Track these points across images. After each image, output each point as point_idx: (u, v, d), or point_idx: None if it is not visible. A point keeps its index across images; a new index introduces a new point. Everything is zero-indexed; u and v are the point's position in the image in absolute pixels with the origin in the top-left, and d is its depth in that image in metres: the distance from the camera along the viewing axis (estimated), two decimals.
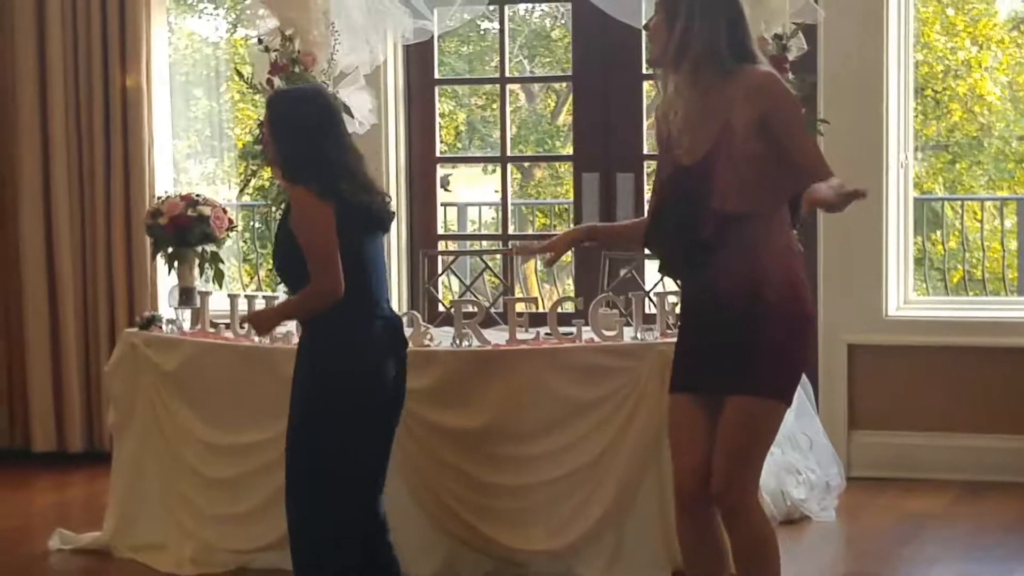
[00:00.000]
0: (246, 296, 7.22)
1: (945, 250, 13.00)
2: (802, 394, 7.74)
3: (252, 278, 12.39)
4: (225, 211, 7.77)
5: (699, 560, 5.21)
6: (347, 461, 5.58)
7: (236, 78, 9.61)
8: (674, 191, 5.08)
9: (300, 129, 5.54)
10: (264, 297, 7.21)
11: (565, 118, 13.89)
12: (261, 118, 5.68)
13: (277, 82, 8.09)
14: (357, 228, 5.51)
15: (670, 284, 7.64)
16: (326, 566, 5.58)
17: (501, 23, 9.69)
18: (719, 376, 5.01)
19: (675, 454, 5.16)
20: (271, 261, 5.67)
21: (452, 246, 10.91)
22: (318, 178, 5.46)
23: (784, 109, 4.99)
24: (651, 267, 8.43)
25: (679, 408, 5.13)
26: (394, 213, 5.75)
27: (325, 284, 5.44)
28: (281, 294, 7.89)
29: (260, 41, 8.17)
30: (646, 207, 9.21)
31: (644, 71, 9.10)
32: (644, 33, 8.57)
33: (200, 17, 14.24)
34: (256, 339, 6.99)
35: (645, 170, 9.19)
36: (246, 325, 6.06)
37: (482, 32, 14.62)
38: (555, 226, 14.68)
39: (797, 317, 5.01)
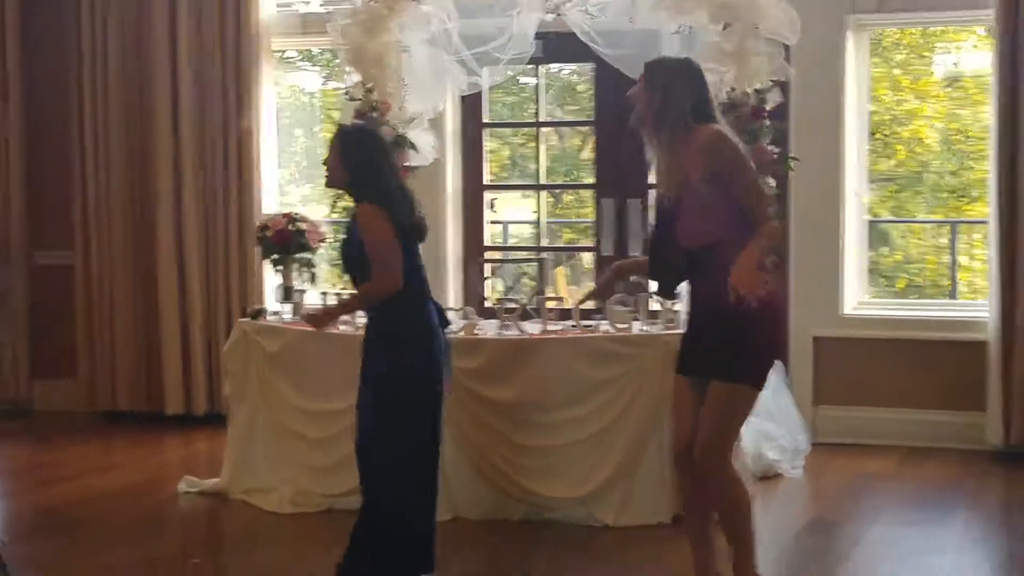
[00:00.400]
0: (335, 294, 7.22)
1: (892, 262, 12.93)
2: (778, 376, 7.72)
3: (341, 278, 12.36)
4: (317, 226, 7.78)
5: (692, 509, 5.25)
6: (418, 424, 5.55)
7: (328, 121, 9.64)
8: (657, 229, 5.14)
9: (366, 159, 5.53)
10: (346, 294, 7.16)
11: (588, 154, 13.82)
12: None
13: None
14: (407, 237, 5.50)
15: None
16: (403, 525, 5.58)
17: (537, 77, 9.66)
18: (706, 365, 5.03)
19: (673, 424, 5.22)
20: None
21: (497, 256, 10.87)
22: (379, 197, 5.45)
23: (726, 160, 4.97)
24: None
25: (678, 387, 5.19)
26: (428, 227, 5.70)
27: (387, 280, 5.41)
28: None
29: (347, 92, 8.18)
30: (650, 226, 9.25)
31: None
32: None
33: (300, 72, 14.25)
34: (341, 328, 6.98)
35: (650, 197, 9.14)
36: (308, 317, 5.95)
37: (522, 86, 14.57)
38: (579, 240, 14.58)
39: (771, 320, 5.02)
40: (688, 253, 5.06)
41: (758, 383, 5.09)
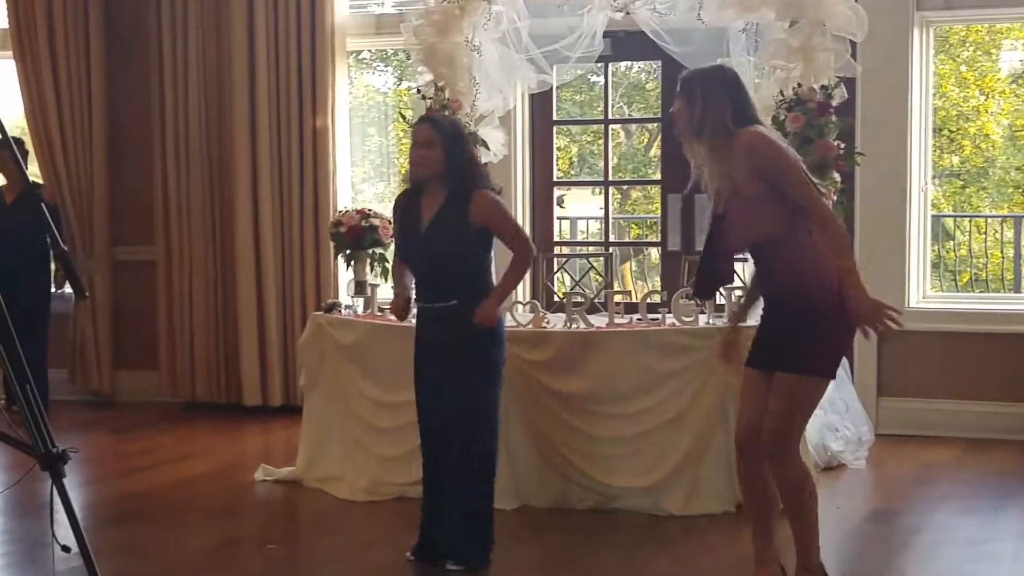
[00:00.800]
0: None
1: (956, 257, 12.87)
2: (842, 368, 7.71)
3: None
4: (390, 222, 7.78)
5: (753, 497, 5.24)
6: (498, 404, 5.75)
7: (400, 120, 9.69)
8: (709, 237, 5.14)
9: (467, 147, 5.68)
10: None
11: (655, 151, 13.84)
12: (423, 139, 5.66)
13: None
14: None
15: (736, 280, 7.63)
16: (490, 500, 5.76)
17: (605, 77, 9.67)
18: (775, 357, 5.04)
19: (739, 411, 5.21)
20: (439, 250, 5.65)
21: (565, 251, 10.90)
22: (487, 183, 5.66)
23: (769, 159, 4.95)
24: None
25: (747, 377, 5.18)
26: None
27: (529, 252, 5.65)
28: None
29: (419, 91, 8.22)
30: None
31: None
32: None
33: (374, 72, 14.34)
34: (412, 321, 7.02)
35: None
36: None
37: (591, 84, 14.61)
38: (647, 235, 14.64)
39: (836, 313, 4.97)
40: (751, 252, 5.08)
41: (829, 374, 5.08)
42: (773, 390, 5.02)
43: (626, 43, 8.88)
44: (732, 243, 5.07)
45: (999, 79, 14.04)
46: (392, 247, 7.98)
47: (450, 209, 5.58)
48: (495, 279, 5.77)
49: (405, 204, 5.71)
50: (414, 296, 5.80)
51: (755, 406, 5.09)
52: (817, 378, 5.05)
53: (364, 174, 12.07)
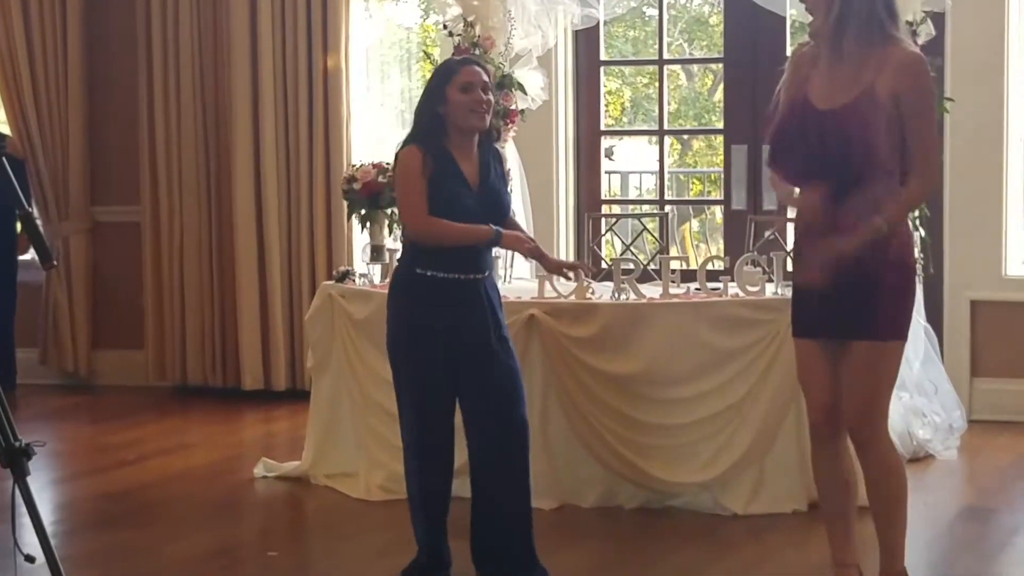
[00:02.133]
0: None
1: None
2: (928, 345, 7.68)
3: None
4: None
5: (831, 490, 5.19)
6: None
7: (425, 60, 9.67)
8: (804, 128, 4.98)
9: None
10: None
11: (720, 95, 13.77)
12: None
13: None
14: None
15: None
16: None
17: (660, 11, 9.63)
18: (845, 323, 4.97)
19: (806, 392, 5.17)
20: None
21: (616, 210, 10.88)
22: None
23: (923, 90, 4.93)
24: (793, 230, 8.36)
25: (807, 352, 5.12)
26: None
27: None
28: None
29: (445, 27, 8.21)
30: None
31: (788, 54, 9.02)
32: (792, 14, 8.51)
33: (397, 4, 14.33)
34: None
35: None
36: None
37: (647, 19, 14.54)
38: (710, 192, 14.60)
39: (909, 267, 5.01)
40: (834, 183, 4.95)
41: (903, 335, 5.06)
42: (849, 363, 4.98)
43: None
44: (849, 154, 4.91)
45: None
46: None
47: (491, 165, 5.58)
48: None
49: (438, 157, 5.53)
50: (420, 266, 5.54)
51: (826, 384, 5.06)
52: (897, 342, 5.03)
53: (389, 120, 12.04)
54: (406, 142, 5.61)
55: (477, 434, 5.56)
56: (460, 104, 5.45)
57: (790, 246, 7.77)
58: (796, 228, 5.22)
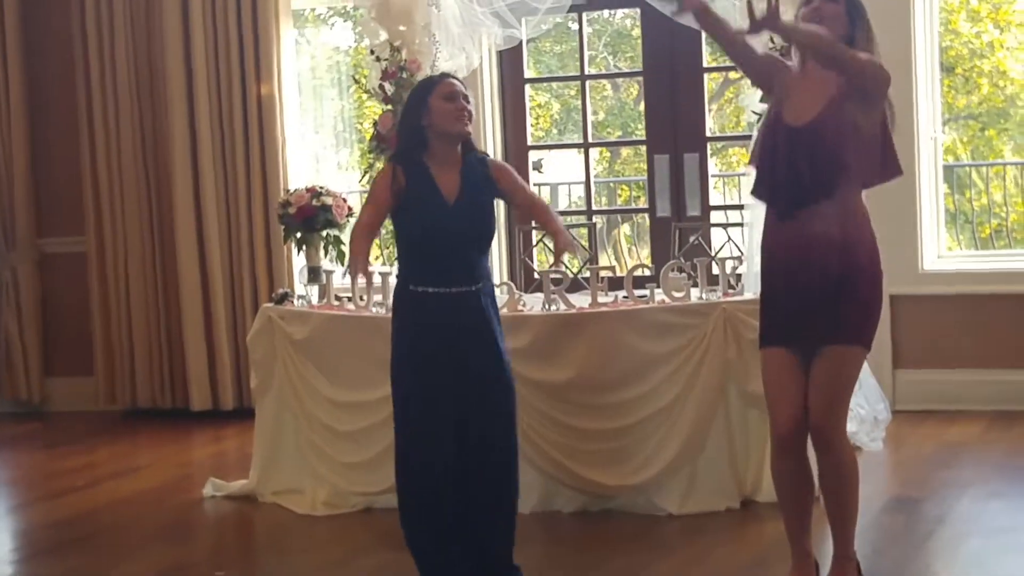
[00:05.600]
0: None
1: (972, 209, 12.80)
2: None
3: (380, 252, 12.31)
4: (345, 200, 7.74)
5: (794, 493, 5.14)
6: None
7: (355, 84, 9.58)
8: (787, 145, 4.98)
9: None
10: (380, 274, 7.10)
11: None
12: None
13: (388, 87, 8.03)
14: None
15: (733, 249, 7.54)
16: None
17: (580, 27, 9.54)
18: (817, 330, 4.94)
19: (774, 403, 5.07)
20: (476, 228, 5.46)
21: None
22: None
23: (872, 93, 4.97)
24: (716, 234, 8.31)
25: (775, 362, 5.05)
26: None
27: None
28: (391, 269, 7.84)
29: (372, 52, 8.12)
30: (710, 183, 9.14)
31: (705, 65, 9.01)
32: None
33: (332, 29, 14.24)
34: (373, 310, 6.92)
35: (708, 151, 9.08)
36: None
37: (572, 33, 14.50)
38: (638, 198, 14.55)
39: (878, 276, 5.02)
40: (806, 189, 4.93)
41: (869, 343, 5.06)
42: (821, 363, 4.94)
43: None
44: (820, 165, 4.91)
45: (1015, 11, 13.95)
46: (349, 228, 7.91)
47: (473, 179, 5.45)
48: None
49: (413, 172, 5.42)
50: (412, 282, 5.45)
51: (796, 394, 4.99)
52: (861, 347, 5.02)
53: (326, 142, 11.96)
54: (388, 159, 5.63)
55: (470, 448, 5.43)
56: (444, 112, 5.38)
57: (713, 251, 7.74)
58: (763, 243, 5.15)
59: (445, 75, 5.68)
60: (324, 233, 7.61)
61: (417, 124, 5.42)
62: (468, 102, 5.43)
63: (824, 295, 4.91)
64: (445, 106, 5.38)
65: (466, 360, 5.39)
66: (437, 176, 5.41)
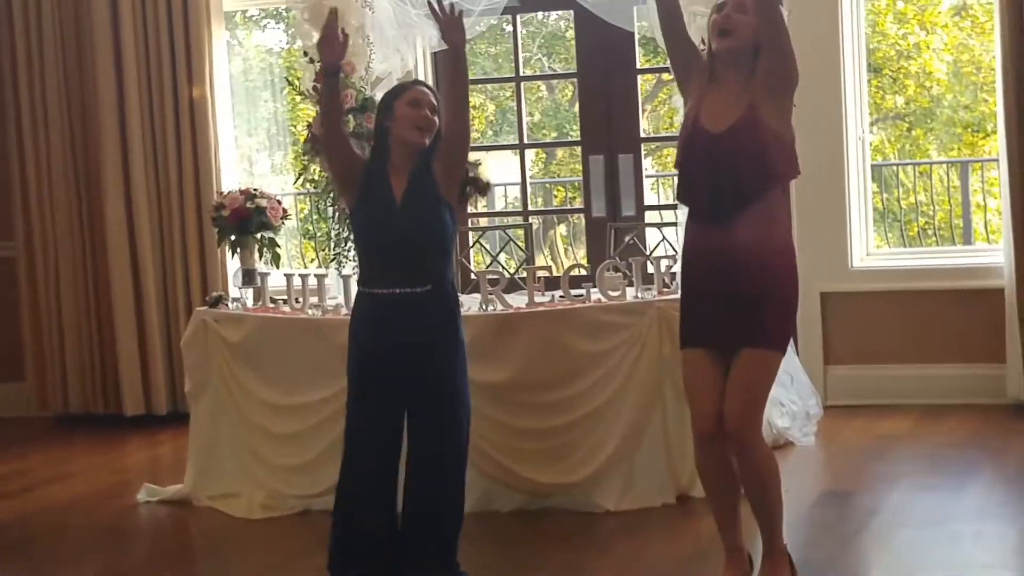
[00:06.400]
0: (300, 275, 7.11)
1: (900, 208, 12.90)
2: None
3: (315, 254, 12.28)
4: (280, 202, 7.72)
5: (718, 487, 5.20)
6: None
7: (289, 87, 9.56)
8: (706, 152, 5.00)
9: None
10: (317, 276, 7.07)
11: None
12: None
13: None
14: None
15: (667, 248, 7.56)
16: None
17: (515, 29, 9.53)
18: (735, 334, 4.98)
19: (694, 401, 5.12)
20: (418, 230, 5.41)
21: (483, 222, 10.77)
22: None
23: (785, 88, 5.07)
24: (651, 234, 8.32)
25: (695, 361, 5.10)
26: None
27: None
28: (332, 271, 7.81)
29: (306, 53, 8.11)
30: (645, 183, 9.16)
31: (639, 66, 9.03)
32: (643, 26, 8.43)
33: (264, 31, 14.18)
34: (309, 312, 6.89)
35: (642, 151, 9.11)
36: None
37: (507, 35, 14.51)
38: (573, 199, 14.57)
39: (795, 281, 5.06)
40: (729, 195, 4.96)
41: (785, 347, 5.11)
42: (738, 367, 4.99)
43: None
44: (741, 172, 4.94)
45: (940, 13, 14.08)
46: (283, 230, 7.89)
47: (419, 179, 5.44)
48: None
49: (372, 170, 5.49)
50: (361, 284, 5.53)
51: (715, 391, 5.04)
52: (777, 351, 5.06)
53: (259, 144, 11.89)
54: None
55: (415, 452, 5.50)
56: (405, 117, 5.40)
57: (648, 250, 7.76)
58: (684, 246, 5.18)
59: (418, 82, 5.70)
60: (258, 235, 7.59)
61: (383, 126, 5.49)
62: (434, 113, 5.44)
63: (743, 300, 4.96)
64: (408, 112, 5.41)
65: (404, 364, 5.41)
66: (392, 178, 5.46)
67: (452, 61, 5.51)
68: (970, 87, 14.41)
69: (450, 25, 5.45)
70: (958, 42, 14.23)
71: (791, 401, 7.71)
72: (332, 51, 5.52)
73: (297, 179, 8.45)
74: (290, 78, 9.43)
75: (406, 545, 5.51)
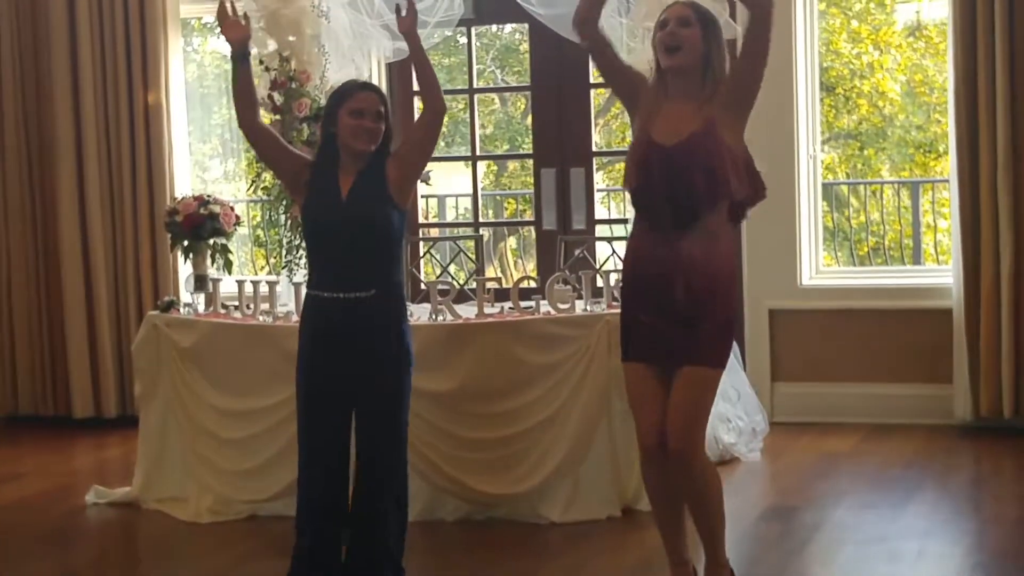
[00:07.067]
0: (252, 281, 7.15)
1: (850, 227, 12.99)
2: (733, 354, 7.72)
3: (266, 261, 12.29)
4: (232, 209, 7.73)
5: (663, 500, 5.23)
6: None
7: None
8: (660, 165, 5.02)
9: None
10: (268, 282, 7.12)
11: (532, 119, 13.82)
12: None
13: (277, 97, 8.04)
14: None
15: (617, 262, 7.61)
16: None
17: (469, 41, 9.60)
18: (676, 350, 5.02)
19: (638, 415, 5.16)
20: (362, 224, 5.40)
21: (434, 233, 10.82)
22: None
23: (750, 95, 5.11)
24: (601, 248, 8.40)
25: (637, 375, 5.13)
26: None
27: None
28: (283, 278, 7.84)
29: (262, 62, 8.12)
30: (596, 197, 9.22)
31: (592, 81, 9.08)
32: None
33: (219, 37, 14.20)
34: (260, 319, 6.93)
35: (594, 165, 9.17)
36: None
37: (460, 46, 14.55)
38: (524, 211, 14.61)
39: (737, 300, 5.18)
40: (682, 208, 4.99)
41: (725, 364, 5.15)
42: (679, 385, 5.03)
43: (490, 4, 8.81)
44: (696, 187, 4.97)
45: (895, 32, 14.18)
46: (236, 236, 7.92)
47: (370, 177, 5.45)
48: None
49: (321, 164, 5.50)
50: (310, 287, 5.53)
51: (658, 406, 5.08)
52: (720, 370, 5.11)
53: (212, 150, 11.89)
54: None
55: (361, 450, 5.53)
56: (348, 127, 5.39)
57: (598, 263, 7.82)
58: (627, 260, 5.22)
59: (366, 86, 5.60)
60: (211, 241, 7.60)
61: (329, 131, 5.48)
62: (378, 120, 5.43)
63: (684, 316, 4.99)
64: (350, 122, 5.41)
65: (348, 367, 5.44)
66: (340, 175, 5.47)
67: (409, 49, 5.59)
68: (923, 107, 14.52)
69: (404, 15, 5.54)
70: (912, 62, 14.34)
71: (737, 417, 7.74)
72: (235, 31, 5.53)
73: (250, 186, 8.47)
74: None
75: (353, 546, 5.53)
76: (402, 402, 5.53)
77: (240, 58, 5.53)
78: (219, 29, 5.64)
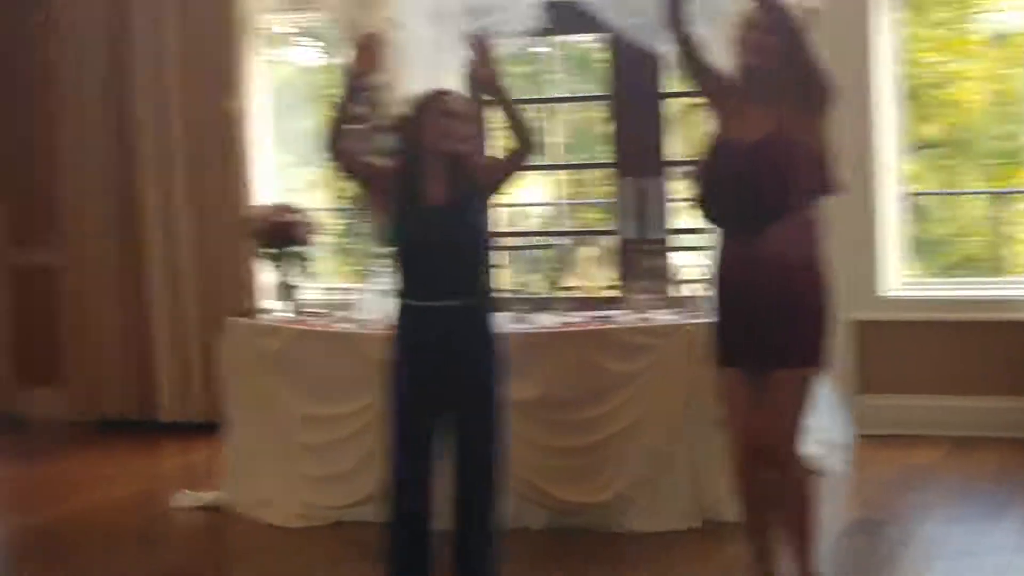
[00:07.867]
0: (335, 289, 7.22)
1: (935, 237, 12.88)
2: None
3: (349, 270, 12.34)
4: (317, 217, 7.79)
5: (757, 508, 5.25)
6: None
7: (325, 100, 9.63)
8: (734, 163, 5.04)
9: None
10: (351, 290, 7.18)
11: (609, 128, 13.83)
12: None
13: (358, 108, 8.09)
14: None
15: (697, 272, 7.62)
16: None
17: (547, 51, 9.62)
18: (772, 352, 5.02)
19: (731, 423, 5.18)
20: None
21: (513, 242, 10.83)
22: None
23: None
24: (681, 257, 8.39)
25: (733, 381, 5.15)
26: None
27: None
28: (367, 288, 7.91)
29: (341, 70, 8.17)
30: (676, 206, 9.20)
31: (669, 90, 9.06)
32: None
33: (299, 48, 14.32)
34: (343, 326, 6.98)
35: (673, 174, 9.17)
36: None
37: (537, 56, 14.58)
38: (604, 221, 14.58)
39: (826, 296, 5.07)
40: (752, 208, 5.01)
41: (824, 364, 5.12)
42: (775, 390, 5.03)
43: (570, 15, 8.85)
44: (780, 183, 4.98)
45: (978, 41, 14.07)
46: (318, 245, 7.99)
47: (461, 184, 5.45)
48: None
49: (410, 172, 5.48)
50: (400, 295, 5.53)
51: (753, 413, 5.08)
52: (816, 368, 5.09)
53: (296, 158, 11.94)
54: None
55: (454, 468, 5.54)
56: (436, 129, 5.39)
57: (681, 273, 7.83)
58: (717, 262, 5.24)
59: (442, 91, 5.62)
60: (296, 249, 7.64)
61: (413, 139, 5.48)
62: (468, 122, 5.47)
63: (776, 317, 4.98)
64: (439, 123, 5.40)
65: (444, 378, 5.45)
66: (429, 184, 5.44)
67: (493, 98, 5.56)
68: (1008, 117, 14.40)
69: (480, 62, 5.50)
70: (995, 72, 14.24)
71: (823, 429, 7.70)
72: (370, 63, 5.59)
73: (334, 196, 8.51)
74: (325, 94, 9.52)
75: (456, 552, 5.55)
76: (502, 409, 5.54)
77: (359, 89, 5.60)
78: (356, 55, 5.62)
